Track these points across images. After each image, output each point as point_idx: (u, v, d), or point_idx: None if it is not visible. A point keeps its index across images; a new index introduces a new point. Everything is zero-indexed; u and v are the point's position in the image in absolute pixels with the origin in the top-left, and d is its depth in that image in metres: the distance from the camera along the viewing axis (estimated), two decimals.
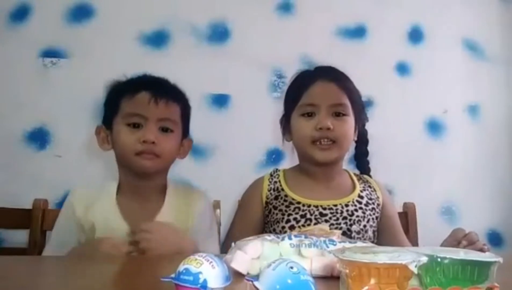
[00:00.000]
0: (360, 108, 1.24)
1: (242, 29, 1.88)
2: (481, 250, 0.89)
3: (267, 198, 1.21)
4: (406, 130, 1.91)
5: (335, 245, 0.72)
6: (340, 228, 1.13)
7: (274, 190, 1.21)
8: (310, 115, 1.16)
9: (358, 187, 1.22)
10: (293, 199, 1.17)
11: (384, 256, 0.49)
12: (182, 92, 1.20)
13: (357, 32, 1.94)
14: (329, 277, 0.67)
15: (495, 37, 2.03)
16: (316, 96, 1.16)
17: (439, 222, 1.86)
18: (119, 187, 1.15)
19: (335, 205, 1.16)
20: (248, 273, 0.66)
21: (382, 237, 1.21)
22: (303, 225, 1.13)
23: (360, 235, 1.14)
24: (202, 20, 1.87)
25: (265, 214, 1.21)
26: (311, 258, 0.69)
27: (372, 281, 0.47)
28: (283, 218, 1.15)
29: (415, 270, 0.48)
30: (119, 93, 1.14)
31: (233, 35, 1.88)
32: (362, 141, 1.30)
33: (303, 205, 1.16)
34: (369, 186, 1.25)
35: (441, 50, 1.98)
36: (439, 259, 0.53)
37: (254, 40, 1.87)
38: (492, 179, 1.94)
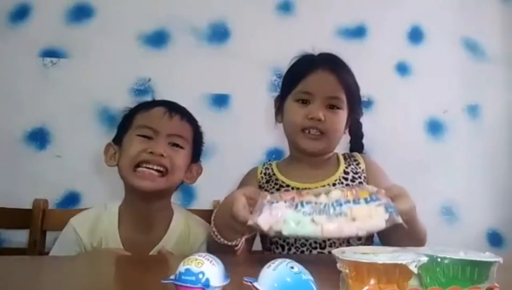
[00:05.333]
0: (356, 102, 1.22)
1: (242, 29, 1.88)
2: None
3: (259, 182, 1.21)
4: (406, 130, 1.91)
5: (341, 205, 0.77)
6: None
7: (266, 175, 1.21)
8: (304, 102, 1.15)
9: (343, 164, 1.21)
10: (283, 182, 1.17)
11: (384, 256, 0.49)
12: (195, 118, 1.19)
13: (357, 32, 1.94)
14: (330, 277, 0.67)
15: (495, 37, 2.03)
16: (313, 85, 1.15)
17: (439, 222, 1.86)
18: (123, 207, 1.13)
19: (323, 186, 1.13)
20: (271, 228, 0.77)
21: None
22: None
23: None
24: (202, 20, 1.87)
25: None
26: (322, 224, 0.75)
27: (372, 281, 0.47)
28: None
29: (415, 270, 0.48)
30: (134, 110, 1.15)
31: (233, 35, 1.88)
32: (356, 134, 1.29)
33: (292, 188, 1.15)
34: (355, 160, 1.23)
35: (441, 50, 1.98)
36: (439, 259, 0.53)
37: (254, 40, 1.87)
38: (492, 179, 1.94)
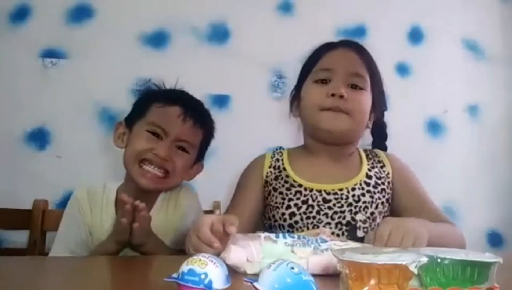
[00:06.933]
0: (380, 89, 1.11)
1: (242, 29, 1.88)
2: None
3: (267, 177, 1.09)
4: (406, 130, 1.91)
5: (326, 242, 0.72)
6: (344, 217, 1.01)
7: (275, 168, 1.09)
8: (324, 82, 1.05)
9: (366, 164, 1.08)
10: (294, 181, 1.05)
11: (384, 256, 0.49)
12: (211, 119, 1.21)
13: (357, 32, 1.94)
14: (328, 276, 0.67)
15: (495, 37, 2.03)
16: (334, 60, 1.06)
17: None
18: (122, 189, 1.14)
19: (340, 190, 1.03)
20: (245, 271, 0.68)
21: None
22: (305, 213, 1.02)
23: (367, 225, 1.01)
24: (202, 20, 1.87)
25: (265, 195, 1.09)
26: (307, 257, 0.70)
27: (372, 281, 0.47)
28: (283, 203, 1.03)
29: (415, 271, 0.48)
30: (152, 99, 1.15)
31: (233, 35, 1.88)
32: (380, 135, 1.18)
33: (305, 189, 1.03)
34: (379, 161, 1.11)
35: (441, 50, 1.98)
36: (439, 260, 0.53)
37: (254, 40, 1.87)
38: (492, 179, 1.94)
